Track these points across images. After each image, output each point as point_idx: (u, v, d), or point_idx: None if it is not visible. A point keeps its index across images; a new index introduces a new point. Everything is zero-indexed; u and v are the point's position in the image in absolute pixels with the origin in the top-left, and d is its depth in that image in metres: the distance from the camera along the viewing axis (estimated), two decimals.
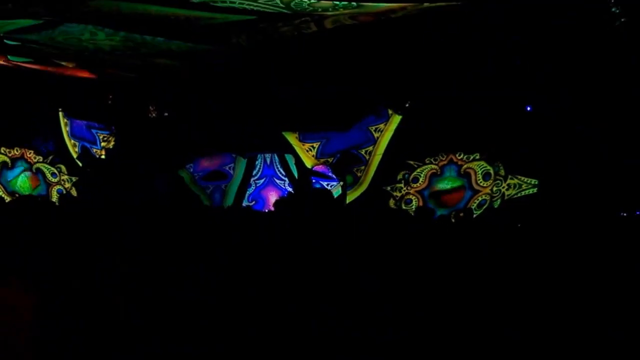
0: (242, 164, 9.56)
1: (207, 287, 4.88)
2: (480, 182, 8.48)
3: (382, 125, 8.79)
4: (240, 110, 9.51)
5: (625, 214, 9.67)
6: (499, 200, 8.54)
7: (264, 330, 4.67)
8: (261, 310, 4.74)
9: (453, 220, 8.39)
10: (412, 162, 8.60)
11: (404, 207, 8.67)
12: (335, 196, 8.97)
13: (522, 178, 8.45)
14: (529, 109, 8.98)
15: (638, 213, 9.81)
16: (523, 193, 8.47)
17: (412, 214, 8.55)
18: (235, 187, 9.55)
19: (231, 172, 9.56)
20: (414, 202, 8.64)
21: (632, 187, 8.75)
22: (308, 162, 9.14)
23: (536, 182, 8.42)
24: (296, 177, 9.40)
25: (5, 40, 8.08)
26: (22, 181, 10.10)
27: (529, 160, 8.60)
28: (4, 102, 10.36)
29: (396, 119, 8.68)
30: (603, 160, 8.83)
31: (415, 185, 8.55)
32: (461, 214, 8.53)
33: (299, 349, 4.48)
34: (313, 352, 4.49)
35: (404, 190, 8.64)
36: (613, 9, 8.14)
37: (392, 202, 8.74)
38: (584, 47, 8.59)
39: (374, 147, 8.82)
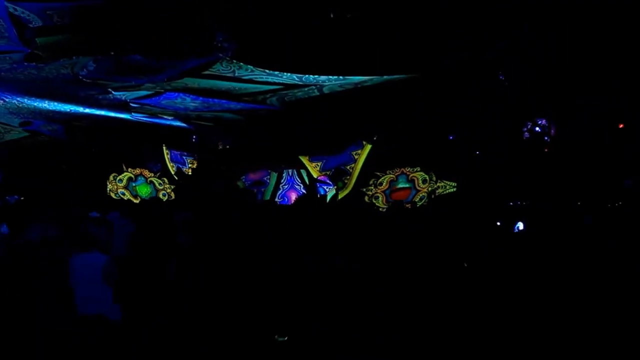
0: (274, 176, 10.35)
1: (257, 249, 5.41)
2: (421, 185, 9.55)
3: (359, 151, 9.81)
4: (274, 143, 10.69)
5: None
6: (432, 196, 9.57)
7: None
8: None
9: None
10: (378, 173, 9.60)
11: (373, 202, 9.63)
12: (331, 195, 9.91)
13: (447, 182, 9.64)
14: (451, 137, 10.58)
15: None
16: (447, 191, 9.67)
17: (378, 205, 9.58)
18: (270, 190, 10.36)
19: (268, 180, 10.39)
20: (380, 198, 9.62)
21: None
22: (315, 174, 10.14)
23: (455, 184, 9.60)
24: (307, 183, 10.22)
25: (130, 104, 8.78)
26: (141, 189, 11.18)
27: (450, 171, 9.80)
28: (130, 140, 11.77)
29: (368, 147, 9.74)
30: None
31: (380, 187, 9.62)
32: (408, 205, 9.51)
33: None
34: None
35: (374, 191, 9.64)
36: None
37: (366, 198, 9.67)
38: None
39: (354, 164, 9.87)
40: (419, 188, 9.69)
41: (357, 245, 5.61)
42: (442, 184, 9.70)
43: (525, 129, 11.75)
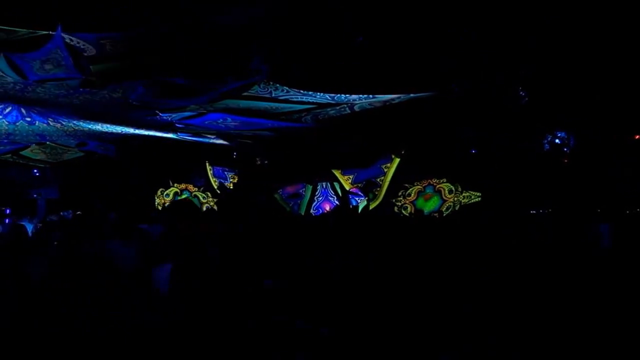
0: (309, 188, 10.25)
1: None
2: (447, 195, 9.35)
3: (388, 164, 9.69)
4: (309, 158, 10.78)
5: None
6: (458, 205, 9.30)
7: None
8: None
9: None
10: (406, 185, 9.58)
11: (402, 211, 9.54)
12: (363, 205, 9.81)
13: (472, 192, 9.28)
14: (473, 151, 10.43)
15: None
16: (473, 200, 9.28)
17: (407, 214, 9.50)
18: (305, 201, 10.26)
19: (303, 193, 10.29)
20: (408, 208, 9.53)
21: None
22: (347, 186, 10.00)
23: (479, 194, 9.23)
24: (340, 195, 9.97)
25: (176, 124, 8.62)
26: None
27: (475, 182, 9.49)
28: (176, 158, 11.62)
29: (396, 160, 9.61)
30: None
31: (408, 198, 9.55)
32: (436, 214, 9.34)
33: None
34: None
35: (402, 201, 9.59)
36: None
37: (395, 208, 9.59)
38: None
39: (384, 177, 9.72)
40: (445, 198, 9.47)
41: (386, 253, 5.40)
42: (467, 194, 9.37)
43: (545, 141, 11.45)
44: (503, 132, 9.35)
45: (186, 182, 11.38)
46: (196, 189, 11.24)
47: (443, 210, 9.42)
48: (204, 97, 6.63)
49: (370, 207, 9.84)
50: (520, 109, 9.70)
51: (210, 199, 11.08)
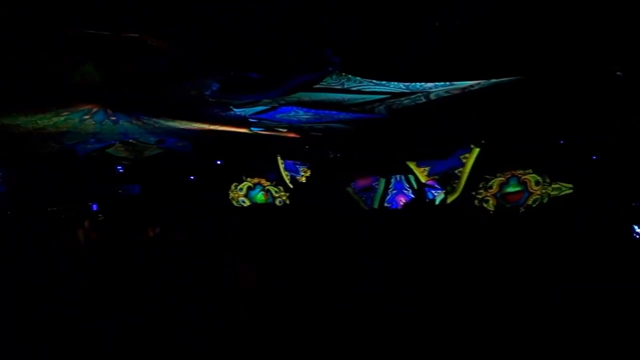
0: (382, 181, 10.15)
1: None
2: (534, 187, 8.82)
3: (467, 155, 9.36)
4: (382, 150, 10.56)
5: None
6: (546, 198, 8.79)
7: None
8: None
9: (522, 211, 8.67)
10: (487, 176, 9.03)
11: (483, 205, 9.06)
12: (440, 199, 9.71)
13: (562, 184, 8.78)
14: (562, 142, 9.56)
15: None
16: (563, 193, 8.76)
17: (488, 208, 8.96)
18: (379, 195, 10.16)
19: (377, 186, 10.21)
20: (490, 201, 9.03)
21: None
22: (422, 179, 9.81)
23: (571, 186, 8.72)
24: (415, 188, 9.96)
25: (249, 119, 8.91)
26: (259, 196, 11.45)
27: (564, 172, 8.99)
28: (248, 152, 12.18)
29: (476, 150, 9.27)
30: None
31: (490, 191, 9.03)
32: (522, 208, 8.79)
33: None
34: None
35: (483, 194, 9.08)
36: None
37: (476, 202, 9.10)
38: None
39: (463, 168, 9.40)
40: (531, 190, 8.97)
41: (466, 248, 5.27)
42: (557, 185, 8.86)
43: None
44: (597, 117, 8.60)
45: (259, 177, 11.58)
46: (269, 183, 11.44)
47: (530, 203, 8.91)
48: (277, 91, 6.77)
49: (448, 201, 9.54)
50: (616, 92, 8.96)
51: (283, 193, 11.29)
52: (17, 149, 10.96)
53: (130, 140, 10.61)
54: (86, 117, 8.52)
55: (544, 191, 8.90)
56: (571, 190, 8.77)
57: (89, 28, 4.88)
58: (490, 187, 9.24)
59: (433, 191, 9.91)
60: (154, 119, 8.82)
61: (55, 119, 8.67)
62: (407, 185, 10.24)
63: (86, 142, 10.52)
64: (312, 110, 8.14)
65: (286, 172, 11.51)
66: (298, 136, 10.43)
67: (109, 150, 11.23)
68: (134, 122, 8.94)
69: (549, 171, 8.91)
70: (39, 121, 8.77)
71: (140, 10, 4.38)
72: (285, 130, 10.06)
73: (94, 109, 8.12)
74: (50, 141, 10.25)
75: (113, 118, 8.69)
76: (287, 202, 11.17)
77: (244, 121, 8.83)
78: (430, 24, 5.83)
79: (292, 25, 5.68)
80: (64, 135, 9.81)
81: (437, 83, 6.59)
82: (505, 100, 8.36)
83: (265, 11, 5.46)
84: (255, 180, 11.64)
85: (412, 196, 10.06)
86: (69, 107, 7.85)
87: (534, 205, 8.92)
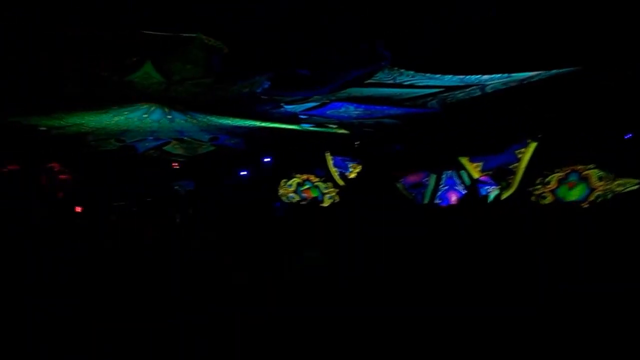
0: (433, 177, 10.06)
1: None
2: (596, 182, 8.48)
3: (523, 149, 9.08)
4: (433, 145, 10.11)
5: None
6: (610, 194, 8.37)
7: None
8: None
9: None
10: (546, 172, 8.87)
11: (540, 201, 8.86)
12: (494, 195, 9.35)
13: (629, 179, 8.27)
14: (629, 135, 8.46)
15: None
16: (628, 189, 8.24)
17: (546, 205, 8.73)
18: (429, 191, 10.08)
19: (427, 182, 10.12)
20: (547, 197, 8.82)
21: None
22: (475, 175, 9.62)
23: (638, 182, 8.13)
24: (468, 184, 9.69)
25: (300, 116, 8.91)
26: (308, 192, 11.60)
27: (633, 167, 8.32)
28: (298, 149, 11.90)
29: (533, 145, 8.99)
30: None
31: (548, 186, 8.84)
32: (585, 204, 8.52)
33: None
34: None
35: (541, 190, 8.89)
36: None
37: (533, 198, 8.90)
38: None
39: (518, 163, 9.12)
40: (594, 186, 8.58)
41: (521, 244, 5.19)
42: (622, 181, 8.35)
43: None
44: None
45: (308, 173, 11.69)
46: (317, 179, 11.54)
47: (592, 199, 8.55)
48: (328, 87, 6.75)
49: (503, 197, 9.27)
50: None
51: (332, 189, 11.32)
52: (85, 148, 11.40)
53: (185, 138, 10.88)
54: (145, 115, 8.82)
55: (607, 187, 8.46)
56: (638, 186, 8.23)
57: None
58: (548, 183, 8.97)
59: (486, 187, 9.60)
60: (208, 117, 9.00)
61: (116, 118, 9.02)
62: (459, 181, 10.00)
63: (145, 140, 10.90)
64: (363, 106, 8.08)
65: (335, 169, 11.50)
66: (348, 132, 10.31)
67: (166, 147, 11.59)
68: (189, 120, 9.16)
69: (612, 166, 8.42)
70: (103, 120, 9.15)
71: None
72: (335, 126, 10.02)
73: (152, 108, 8.36)
74: (113, 139, 10.69)
75: (169, 117, 8.94)
76: (336, 198, 11.18)
77: (294, 117, 8.87)
78: (487, 13, 5.63)
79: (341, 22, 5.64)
80: (125, 134, 10.20)
81: (494, 75, 6.36)
82: (565, 92, 7.91)
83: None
84: (304, 176, 11.80)
85: (464, 192, 9.85)
86: (129, 106, 8.11)
87: (597, 202, 8.51)
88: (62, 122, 9.19)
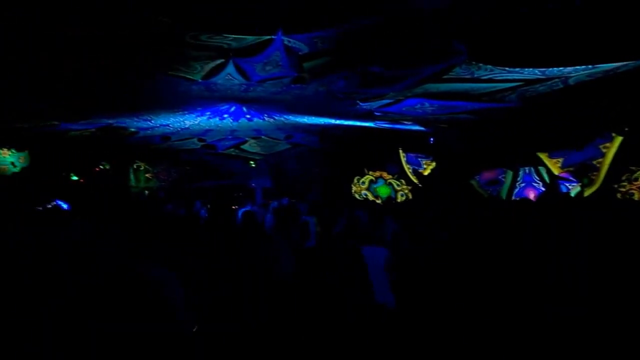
0: (510, 174, 9.77)
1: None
2: None
3: (608, 144, 8.68)
4: (510, 140, 9.92)
5: None
6: None
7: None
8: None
9: None
10: (633, 168, 8.56)
11: (627, 199, 8.44)
12: (575, 192, 8.95)
13: None
14: None
15: None
16: None
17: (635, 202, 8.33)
18: (506, 189, 9.78)
19: (503, 179, 9.86)
20: (635, 194, 8.48)
21: None
22: (555, 171, 9.27)
23: None
24: (547, 180, 9.38)
25: (375, 113, 8.85)
26: (381, 190, 11.70)
27: None
28: (371, 146, 11.89)
29: (618, 139, 8.56)
30: None
31: (635, 183, 8.50)
32: None
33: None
34: None
35: (627, 187, 8.57)
36: None
37: (619, 195, 8.58)
38: None
39: (602, 159, 8.73)
40: None
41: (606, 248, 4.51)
42: None
43: None
44: None
45: (380, 170, 11.70)
46: (390, 176, 11.54)
47: None
48: (404, 84, 6.79)
49: (585, 194, 8.86)
50: None
51: (405, 187, 11.28)
52: (171, 149, 12.15)
53: (262, 136, 11.27)
54: (225, 115, 9.24)
55: None
56: None
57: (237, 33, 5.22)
58: (636, 180, 8.59)
59: (567, 184, 9.21)
60: (284, 115, 9.28)
61: (199, 119, 9.54)
62: (537, 177, 9.68)
63: (224, 139, 11.42)
64: (438, 102, 8.00)
65: (408, 165, 11.47)
66: (422, 128, 10.25)
67: (244, 145, 12.06)
68: (266, 119, 9.50)
69: None
70: (186, 121, 9.72)
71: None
72: (409, 122, 9.98)
73: (232, 108, 8.77)
74: (195, 138, 11.30)
75: (248, 116, 9.33)
76: (410, 195, 11.02)
77: (369, 115, 8.92)
78: (571, 2, 5.41)
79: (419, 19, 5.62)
80: (207, 133, 10.76)
81: (577, 67, 6.12)
82: None
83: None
84: (377, 173, 11.83)
85: (543, 189, 9.48)
86: (211, 107, 8.56)
87: None
88: (150, 123, 9.84)
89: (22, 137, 10.27)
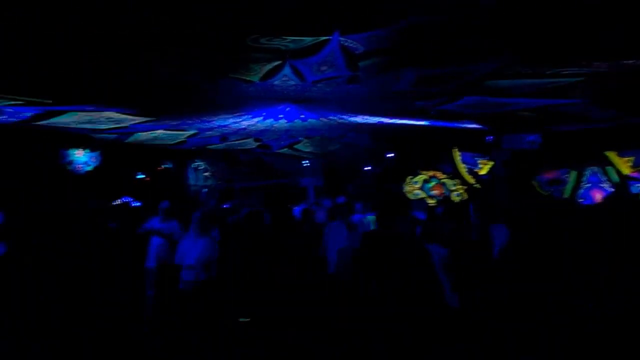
0: (574, 174, 9.45)
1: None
2: None
3: None
4: (574, 138, 9.53)
5: None
6: None
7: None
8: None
9: None
10: None
11: None
12: None
13: None
14: None
15: None
16: None
17: None
18: (569, 189, 9.46)
19: (567, 179, 9.53)
20: None
21: None
22: (625, 170, 8.93)
23: None
24: (616, 181, 8.99)
25: (431, 111, 8.71)
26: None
27: None
28: (424, 144, 11.73)
29: None
30: None
31: None
32: None
33: None
34: None
35: None
36: None
37: None
38: None
39: None
40: None
41: None
42: None
43: None
44: None
45: (434, 169, 11.48)
46: (444, 175, 11.29)
47: None
48: (461, 81, 6.59)
49: None
50: None
51: (460, 186, 10.99)
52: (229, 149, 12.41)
53: (316, 136, 11.30)
54: (280, 116, 9.33)
55: None
56: None
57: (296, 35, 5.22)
58: None
59: (638, 184, 8.82)
60: (338, 115, 9.24)
61: (255, 119, 9.68)
62: (604, 178, 9.25)
63: (279, 139, 11.55)
64: (497, 99, 7.75)
65: (463, 165, 11.15)
66: (479, 126, 9.90)
67: (298, 145, 12.14)
68: (320, 118, 9.50)
69: None
70: (243, 122, 9.90)
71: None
72: (466, 120, 9.69)
73: (287, 108, 8.83)
74: (252, 138, 11.49)
75: (302, 116, 9.36)
76: (465, 196, 10.75)
77: (425, 113, 8.77)
78: None
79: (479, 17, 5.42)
80: (263, 133, 10.91)
81: None
82: None
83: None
84: (431, 172, 11.60)
85: (611, 190, 9.04)
86: (268, 107, 8.66)
87: None
88: (210, 124, 10.08)
89: (94, 139, 10.79)
